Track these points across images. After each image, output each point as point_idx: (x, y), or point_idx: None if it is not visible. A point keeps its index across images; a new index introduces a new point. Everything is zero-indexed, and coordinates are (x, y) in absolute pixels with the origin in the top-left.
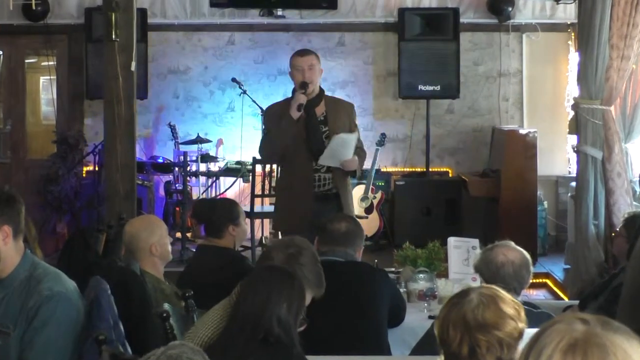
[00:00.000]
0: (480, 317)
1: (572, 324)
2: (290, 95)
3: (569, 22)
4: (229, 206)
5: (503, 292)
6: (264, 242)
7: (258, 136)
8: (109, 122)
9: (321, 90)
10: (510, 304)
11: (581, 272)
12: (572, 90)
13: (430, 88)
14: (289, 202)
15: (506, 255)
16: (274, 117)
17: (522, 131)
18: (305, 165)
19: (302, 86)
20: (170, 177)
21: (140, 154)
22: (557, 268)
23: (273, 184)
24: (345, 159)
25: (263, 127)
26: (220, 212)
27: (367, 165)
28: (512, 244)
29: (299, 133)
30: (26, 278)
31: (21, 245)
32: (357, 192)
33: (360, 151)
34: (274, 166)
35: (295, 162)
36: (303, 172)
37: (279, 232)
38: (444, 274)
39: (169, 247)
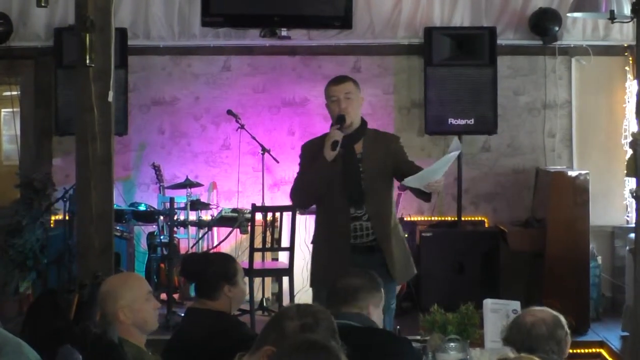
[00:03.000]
0: None
1: None
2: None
3: (625, 45)
4: (224, 262)
5: None
6: (264, 304)
7: (257, 179)
8: (82, 163)
9: (363, 123)
10: None
11: None
12: (631, 124)
13: (463, 122)
14: (325, 256)
15: (535, 315)
16: (308, 156)
17: (572, 173)
18: (342, 213)
19: (339, 120)
20: (154, 228)
21: (118, 200)
22: (613, 335)
23: (276, 235)
24: (432, 182)
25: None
26: (214, 269)
27: None
28: (540, 307)
29: (334, 175)
30: None
31: None
32: None
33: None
34: (277, 215)
35: (331, 209)
36: (339, 220)
37: None
38: (479, 343)
39: (150, 313)
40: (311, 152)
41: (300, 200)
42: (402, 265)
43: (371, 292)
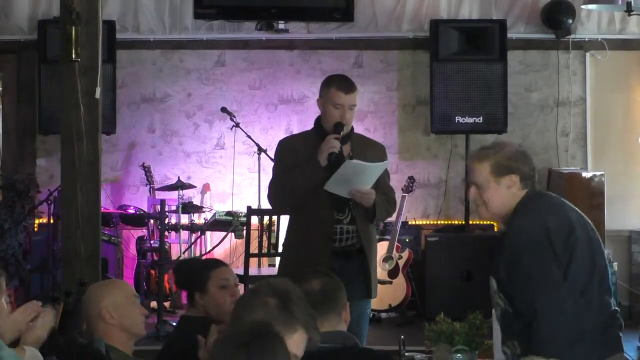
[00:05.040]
0: None
1: None
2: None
3: None
4: (194, 268)
5: None
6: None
7: (253, 180)
8: (68, 164)
9: (351, 128)
10: None
11: None
12: None
13: (471, 120)
14: (302, 259)
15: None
16: (289, 154)
17: (586, 174)
18: (326, 216)
19: (336, 128)
20: (143, 232)
21: (106, 203)
22: (631, 346)
23: (272, 240)
24: (356, 188)
25: (274, 164)
26: (184, 276)
27: (391, 217)
28: None
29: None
30: None
31: None
32: (379, 250)
33: (386, 197)
34: (274, 218)
35: (313, 211)
36: (323, 223)
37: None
38: (489, 354)
39: (137, 317)
40: (292, 150)
41: (283, 202)
42: (375, 277)
43: (341, 292)
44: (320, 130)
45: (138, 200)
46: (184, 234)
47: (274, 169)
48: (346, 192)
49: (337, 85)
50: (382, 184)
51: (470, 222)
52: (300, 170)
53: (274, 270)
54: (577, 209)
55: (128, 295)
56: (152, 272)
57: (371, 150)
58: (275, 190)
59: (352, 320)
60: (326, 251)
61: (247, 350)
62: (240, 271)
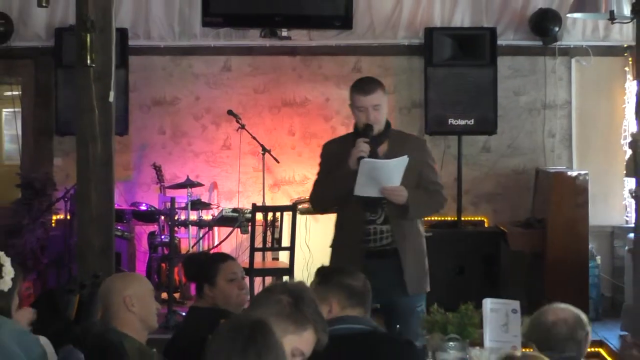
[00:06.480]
0: None
1: None
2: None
3: (625, 45)
4: (203, 262)
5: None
6: None
7: (258, 179)
8: (83, 163)
9: (387, 125)
10: None
11: None
12: (630, 125)
13: (463, 122)
14: (337, 261)
15: (557, 314)
16: (328, 158)
17: (572, 173)
18: (357, 217)
19: (365, 131)
20: (154, 228)
21: (119, 201)
22: (612, 335)
23: (276, 235)
24: (385, 186)
25: (318, 169)
26: (194, 270)
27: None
28: (563, 305)
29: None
30: None
31: None
32: None
33: (426, 192)
34: (277, 215)
35: (347, 213)
36: (353, 225)
37: None
38: (479, 342)
39: (154, 310)
40: (331, 153)
41: (321, 207)
42: (415, 275)
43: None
44: (356, 133)
45: (149, 198)
46: (193, 230)
47: (317, 173)
48: (377, 191)
49: (356, 89)
50: (425, 179)
51: (463, 219)
52: (333, 176)
53: (278, 264)
54: None
55: (149, 288)
56: (163, 265)
57: (408, 145)
58: (314, 195)
59: (400, 319)
60: (359, 252)
61: (248, 340)
62: (246, 265)
